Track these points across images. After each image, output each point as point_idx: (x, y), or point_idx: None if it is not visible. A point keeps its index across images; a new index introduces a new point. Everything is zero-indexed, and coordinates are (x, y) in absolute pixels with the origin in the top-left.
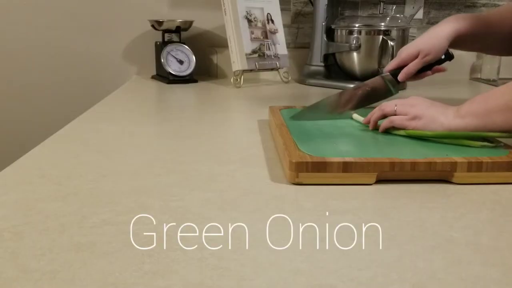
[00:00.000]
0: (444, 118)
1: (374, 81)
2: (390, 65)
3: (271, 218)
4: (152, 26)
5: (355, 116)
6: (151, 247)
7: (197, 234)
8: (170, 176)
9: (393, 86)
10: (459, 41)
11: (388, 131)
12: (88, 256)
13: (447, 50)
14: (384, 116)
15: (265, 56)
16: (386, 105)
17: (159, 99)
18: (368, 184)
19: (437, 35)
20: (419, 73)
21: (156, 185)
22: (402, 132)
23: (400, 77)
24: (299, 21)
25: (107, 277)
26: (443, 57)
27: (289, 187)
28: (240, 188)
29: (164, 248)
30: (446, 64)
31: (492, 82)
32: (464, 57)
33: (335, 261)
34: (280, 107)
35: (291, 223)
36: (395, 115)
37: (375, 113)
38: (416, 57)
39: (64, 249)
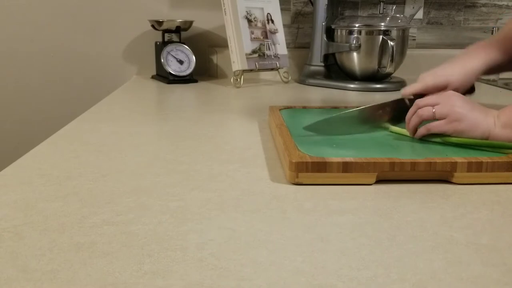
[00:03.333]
0: (486, 125)
1: (396, 102)
2: (413, 88)
3: (271, 218)
4: (152, 26)
5: (394, 128)
6: (151, 247)
7: (197, 234)
8: (170, 176)
9: None
10: (486, 71)
11: (424, 138)
12: (88, 256)
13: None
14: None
15: (265, 56)
16: (424, 110)
17: (159, 99)
18: (368, 184)
19: (468, 70)
20: None
21: (156, 185)
22: (439, 139)
23: (420, 132)
24: (299, 21)
25: (107, 277)
26: None
27: (289, 187)
28: (240, 188)
29: (164, 248)
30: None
31: (492, 82)
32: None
33: (335, 261)
34: (280, 107)
35: (291, 223)
36: (434, 118)
37: (412, 119)
38: (442, 89)
39: (64, 249)
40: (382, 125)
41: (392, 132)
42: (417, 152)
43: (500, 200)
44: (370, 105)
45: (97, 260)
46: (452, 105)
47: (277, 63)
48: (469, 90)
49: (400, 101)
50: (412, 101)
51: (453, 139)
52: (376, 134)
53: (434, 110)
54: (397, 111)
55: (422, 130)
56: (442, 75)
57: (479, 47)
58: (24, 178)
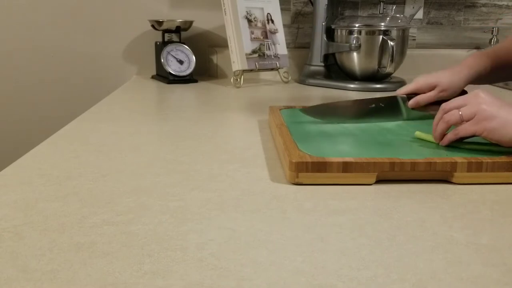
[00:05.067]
0: None
1: (389, 99)
2: (406, 88)
3: (271, 218)
4: (152, 26)
5: (418, 133)
6: (151, 247)
7: (197, 234)
8: (170, 176)
9: (405, 108)
10: (477, 80)
11: (454, 145)
12: (88, 256)
13: (465, 91)
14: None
15: (265, 56)
16: (450, 115)
17: (159, 99)
18: (368, 184)
19: (458, 74)
20: (430, 105)
21: (156, 185)
22: (468, 146)
23: (410, 103)
24: (299, 21)
25: (107, 277)
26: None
27: (289, 187)
28: (240, 188)
29: (164, 248)
30: None
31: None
32: (463, 57)
33: (335, 261)
34: (280, 107)
35: (291, 223)
36: (462, 121)
37: (438, 126)
38: (433, 88)
39: (64, 249)
40: (374, 118)
41: (418, 138)
42: (417, 152)
43: (500, 200)
44: (365, 98)
45: (97, 260)
46: (479, 103)
47: (277, 63)
48: (459, 94)
49: (393, 98)
50: (404, 99)
51: (482, 147)
52: (376, 134)
53: (460, 112)
54: (389, 107)
55: (450, 136)
56: (433, 76)
57: (471, 57)
58: (24, 178)
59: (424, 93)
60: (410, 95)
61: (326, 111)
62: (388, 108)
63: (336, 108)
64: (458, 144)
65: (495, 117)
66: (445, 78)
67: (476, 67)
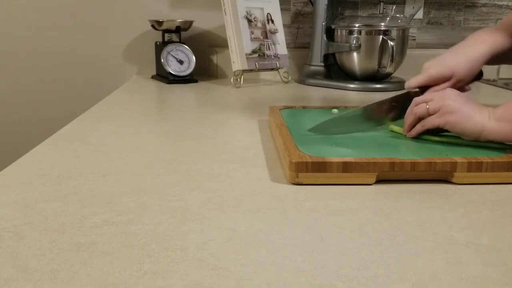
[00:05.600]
0: (479, 117)
1: (402, 97)
2: (416, 80)
3: (271, 218)
4: (152, 26)
5: (394, 127)
6: (151, 247)
7: (197, 234)
8: (170, 176)
9: None
10: (491, 60)
11: (420, 136)
12: (88, 256)
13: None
14: (419, 119)
15: (265, 56)
16: (418, 107)
17: (159, 99)
18: (368, 184)
19: (473, 58)
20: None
21: (156, 185)
22: (435, 138)
23: (414, 132)
24: (299, 21)
25: (107, 277)
26: None
27: (289, 187)
28: (240, 188)
29: (164, 248)
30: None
31: (492, 82)
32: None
33: (335, 261)
34: (280, 107)
35: (291, 223)
36: (428, 114)
37: (407, 118)
38: (447, 79)
39: (64, 249)
40: (387, 121)
41: (392, 131)
42: (417, 152)
43: (500, 200)
44: (375, 102)
45: (97, 260)
46: (445, 98)
47: (277, 63)
48: (476, 76)
49: (405, 95)
50: (417, 94)
51: (449, 139)
52: (376, 134)
53: (427, 106)
54: (402, 106)
55: (417, 127)
56: (446, 65)
57: (484, 33)
58: (24, 178)
59: (437, 84)
60: (422, 88)
61: (336, 126)
62: (403, 106)
63: (346, 120)
64: (425, 136)
65: (457, 111)
66: (461, 66)
67: (494, 45)
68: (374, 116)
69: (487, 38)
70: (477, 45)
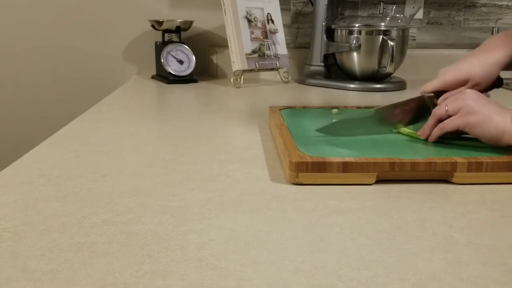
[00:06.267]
0: (500, 118)
1: (416, 102)
2: (432, 85)
3: (271, 218)
4: (152, 26)
5: (403, 129)
6: (151, 247)
7: (197, 234)
8: (170, 176)
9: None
10: (510, 63)
11: (442, 140)
12: (88, 256)
13: (498, 77)
14: (438, 121)
15: (265, 56)
16: (437, 108)
17: (159, 99)
18: (368, 184)
19: (490, 62)
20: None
21: (156, 185)
22: (455, 142)
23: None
24: (299, 21)
25: (107, 277)
26: None
27: (289, 187)
28: (240, 188)
29: (164, 248)
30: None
31: None
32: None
33: (335, 261)
34: (280, 107)
35: (291, 223)
36: (448, 116)
37: (429, 121)
38: (463, 84)
39: (64, 249)
40: (399, 126)
41: (402, 133)
42: (417, 152)
43: (500, 200)
44: (387, 104)
45: (97, 260)
46: (465, 98)
47: (277, 63)
48: (495, 84)
49: (420, 100)
50: (431, 98)
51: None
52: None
53: (447, 107)
54: (416, 111)
55: (435, 131)
56: (462, 69)
57: (501, 38)
58: (24, 178)
59: (453, 89)
60: (437, 93)
61: (345, 128)
62: (416, 110)
63: (356, 123)
64: (445, 140)
65: (478, 112)
66: (476, 69)
67: (509, 49)
68: (385, 119)
69: (505, 43)
70: (495, 49)
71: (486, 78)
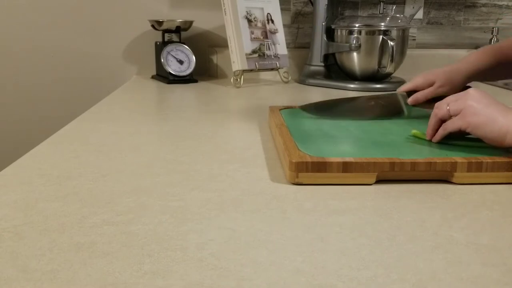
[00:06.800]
0: (504, 119)
1: (389, 97)
2: (404, 86)
3: (271, 218)
4: (152, 26)
5: (415, 132)
6: (151, 247)
7: (197, 234)
8: (170, 176)
9: (406, 105)
10: (478, 76)
11: (446, 141)
12: (88, 256)
13: (469, 87)
14: (441, 121)
15: (265, 56)
16: (439, 109)
17: (159, 99)
18: (368, 184)
19: (456, 70)
20: (431, 102)
21: (156, 185)
22: (458, 142)
23: (410, 100)
24: (299, 21)
25: (107, 277)
26: None
27: (289, 187)
28: (240, 188)
29: (164, 248)
30: None
31: (492, 82)
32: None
33: (335, 261)
34: (280, 107)
35: (291, 223)
36: (449, 115)
37: (429, 121)
38: (431, 84)
39: (64, 249)
40: (372, 116)
41: (413, 136)
42: (417, 152)
43: (500, 200)
44: (365, 96)
45: (97, 260)
46: (467, 99)
47: (277, 63)
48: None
49: (392, 96)
50: (404, 96)
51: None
52: (376, 133)
53: (448, 107)
54: (389, 105)
55: (440, 131)
56: (431, 73)
57: (480, 52)
58: (24, 178)
59: (422, 89)
60: (410, 93)
61: (324, 108)
62: (388, 105)
63: (335, 105)
64: (448, 141)
65: (480, 113)
66: (443, 73)
67: (477, 63)
68: (361, 108)
69: (479, 56)
70: (465, 61)
71: (449, 82)
